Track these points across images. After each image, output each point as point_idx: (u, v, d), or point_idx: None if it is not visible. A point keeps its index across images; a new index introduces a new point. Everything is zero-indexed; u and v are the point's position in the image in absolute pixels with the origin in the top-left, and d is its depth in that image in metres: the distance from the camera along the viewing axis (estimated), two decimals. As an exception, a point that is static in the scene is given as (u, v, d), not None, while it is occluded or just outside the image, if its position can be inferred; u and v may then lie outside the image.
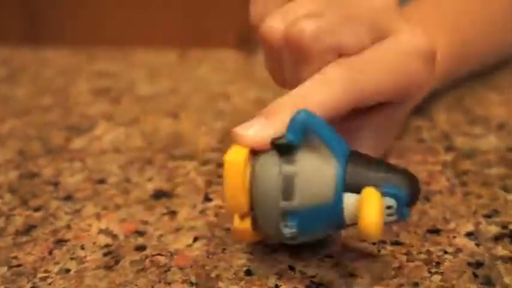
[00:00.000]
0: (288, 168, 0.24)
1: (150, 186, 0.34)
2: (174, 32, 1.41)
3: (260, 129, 0.25)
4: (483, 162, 0.35)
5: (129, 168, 0.36)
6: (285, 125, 0.25)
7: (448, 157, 0.36)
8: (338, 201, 0.24)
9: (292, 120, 0.24)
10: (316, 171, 0.24)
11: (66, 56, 0.58)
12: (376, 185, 0.24)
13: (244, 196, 0.24)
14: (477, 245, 0.28)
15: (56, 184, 0.35)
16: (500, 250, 0.28)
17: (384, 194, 0.24)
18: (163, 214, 0.31)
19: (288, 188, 0.24)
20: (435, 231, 0.29)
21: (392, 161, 0.36)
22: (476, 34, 0.42)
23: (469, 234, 0.29)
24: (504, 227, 0.29)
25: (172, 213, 0.31)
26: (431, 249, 0.28)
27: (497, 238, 0.29)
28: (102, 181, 0.35)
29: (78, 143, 0.40)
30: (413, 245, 0.28)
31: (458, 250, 0.28)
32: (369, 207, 0.23)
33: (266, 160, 0.25)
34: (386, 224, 0.25)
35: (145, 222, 0.31)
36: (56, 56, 0.58)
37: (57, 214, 0.32)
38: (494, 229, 0.29)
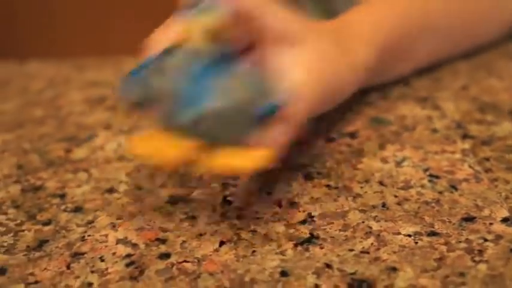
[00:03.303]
0: None
1: (164, 192, 0.32)
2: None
3: None
4: (503, 148, 0.35)
5: (138, 175, 0.35)
6: None
7: (466, 145, 0.35)
8: None
9: None
10: None
11: (52, 68, 0.56)
12: None
13: None
14: (516, 230, 0.27)
15: (62, 196, 0.33)
16: (541, 234, 0.27)
17: None
18: (183, 220, 0.30)
19: None
20: (470, 219, 0.28)
21: (409, 152, 0.35)
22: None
23: (505, 220, 0.28)
24: (539, 210, 0.29)
25: (193, 218, 0.30)
26: (470, 237, 0.27)
27: (534, 222, 0.28)
28: (111, 190, 0.33)
29: (79, 153, 0.38)
30: (451, 235, 0.27)
31: (499, 237, 0.27)
32: None
33: None
34: None
35: (165, 229, 0.29)
36: (41, 68, 0.56)
37: (69, 227, 0.30)
38: (530, 213, 0.28)
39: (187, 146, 0.26)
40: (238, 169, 0.26)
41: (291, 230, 0.28)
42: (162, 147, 0.26)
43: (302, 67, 0.31)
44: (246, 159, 0.26)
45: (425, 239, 0.27)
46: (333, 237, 0.28)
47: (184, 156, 0.26)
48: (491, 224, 0.28)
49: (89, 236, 0.29)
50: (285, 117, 0.28)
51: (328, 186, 0.32)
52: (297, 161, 0.35)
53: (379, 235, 0.27)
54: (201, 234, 0.28)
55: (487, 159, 0.34)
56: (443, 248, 0.26)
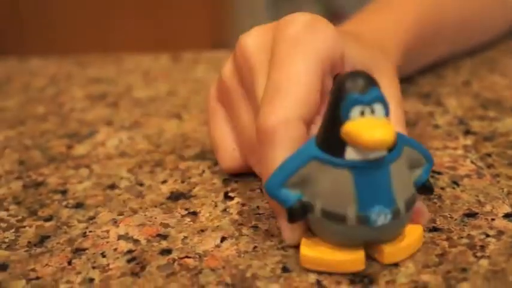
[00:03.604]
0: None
1: (165, 189, 0.32)
2: (149, 37, 1.39)
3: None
4: (505, 144, 0.35)
5: (139, 171, 0.35)
6: None
7: (468, 141, 0.35)
8: None
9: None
10: None
11: (53, 65, 0.56)
12: None
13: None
14: (518, 226, 0.27)
15: (63, 192, 0.33)
16: (543, 230, 0.27)
17: None
18: (184, 216, 0.30)
19: None
20: (472, 214, 0.28)
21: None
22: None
23: (507, 216, 0.28)
24: (541, 206, 0.28)
25: (193, 214, 0.30)
26: (472, 233, 0.27)
27: (537, 218, 0.28)
28: (113, 186, 0.33)
29: (80, 149, 0.38)
30: (453, 230, 0.27)
31: (501, 232, 0.27)
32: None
33: None
34: None
35: (166, 225, 0.29)
36: (43, 65, 0.56)
37: (70, 222, 0.30)
38: (532, 209, 0.28)
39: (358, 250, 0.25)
40: (413, 250, 0.25)
41: (293, 226, 0.28)
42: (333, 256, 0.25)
43: (395, 100, 0.29)
44: (411, 239, 0.25)
45: (427, 234, 0.27)
46: (335, 233, 0.27)
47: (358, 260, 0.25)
48: (493, 219, 0.28)
49: (90, 232, 0.29)
50: None
51: (329, 182, 0.32)
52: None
53: (380, 231, 0.27)
54: (202, 230, 0.28)
55: (489, 155, 0.34)
56: (445, 243, 0.26)
